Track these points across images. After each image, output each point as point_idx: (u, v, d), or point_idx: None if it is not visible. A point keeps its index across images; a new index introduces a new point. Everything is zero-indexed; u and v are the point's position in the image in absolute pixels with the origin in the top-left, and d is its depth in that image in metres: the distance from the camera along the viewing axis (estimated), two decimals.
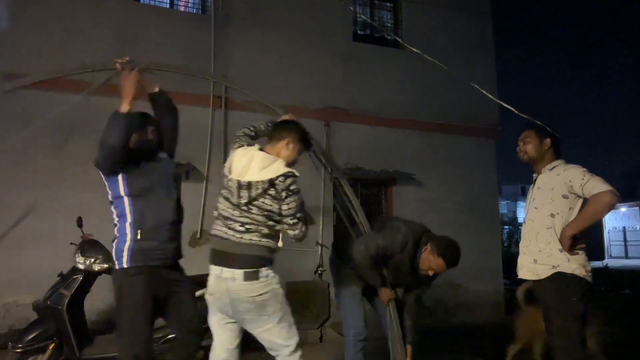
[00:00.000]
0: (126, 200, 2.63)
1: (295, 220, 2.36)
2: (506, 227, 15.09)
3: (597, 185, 2.55)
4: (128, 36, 5.91)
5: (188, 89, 6.04)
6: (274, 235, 2.38)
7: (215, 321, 2.44)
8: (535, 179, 2.93)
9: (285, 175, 2.31)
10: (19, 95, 5.33)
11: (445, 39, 7.40)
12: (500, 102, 4.87)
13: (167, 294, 2.66)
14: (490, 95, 4.87)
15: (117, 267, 2.60)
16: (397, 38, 6.90)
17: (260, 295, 2.28)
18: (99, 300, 4.93)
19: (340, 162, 6.19)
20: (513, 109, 4.10)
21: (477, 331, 6.35)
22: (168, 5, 6.43)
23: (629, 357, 5.12)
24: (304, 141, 2.55)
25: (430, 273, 3.03)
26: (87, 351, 3.58)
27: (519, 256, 2.92)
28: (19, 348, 3.40)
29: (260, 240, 2.32)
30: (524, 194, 25.35)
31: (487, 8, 8.07)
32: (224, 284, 2.30)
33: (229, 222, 2.35)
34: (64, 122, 5.47)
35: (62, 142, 5.44)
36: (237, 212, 2.34)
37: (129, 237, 2.59)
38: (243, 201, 2.32)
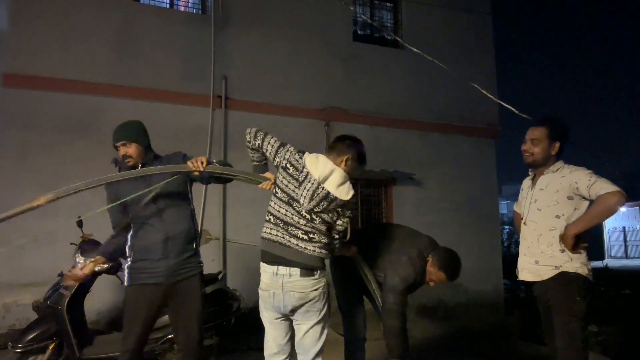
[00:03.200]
0: (131, 225, 2.85)
1: (336, 236, 2.57)
2: (506, 227, 15.08)
3: (604, 186, 2.53)
4: (128, 36, 5.91)
5: (188, 89, 6.06)
6: (330, 244, 2.54)
7: (267, 317, 2.57)
8: (534, 178, 2.91)
9: (353, 197, 2.50)
10: (20, 95, 5.35)
11: (445, 39, 7.40)
12: (500, 102, 4.88)
13: (169, 304, 2.83)
14: (490, 95, 4.89)
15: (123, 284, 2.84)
16: (397, 38, 6.90)
17: (313, 291, 2.44)
18: (99, 300, 4.95)
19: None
20: (513, 109, 4.11)
21: (477, 331, 6.35)
22: (168, 5, 6.42)
23: (629, 357, 5.12)
24: (361, 159, 2.67)
25: (432, 284, 3.04)
26: (87, 351, 3.57)
27: (519, 257, 2.90)
28: (19, 348, 3.40)
29: (320, 252, 2.47)
30: None
31: (487, 8, 8.07)
32: (279, 280, 2.43)
33: (291, 229, 2.46)
34: (64, 122, 5.48)
35: (62, 142, 5.44)
36: (302, 221, 2.45)
37: (129, 258, 2.80)
38: (317, 210, 2.43)
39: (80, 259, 3.61)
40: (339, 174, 2.46)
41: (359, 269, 3.06)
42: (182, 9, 6.54)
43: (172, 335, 3.58)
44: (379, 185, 7.07)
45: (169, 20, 6.23)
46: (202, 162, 2.66)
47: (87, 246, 3.66)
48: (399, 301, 2.90)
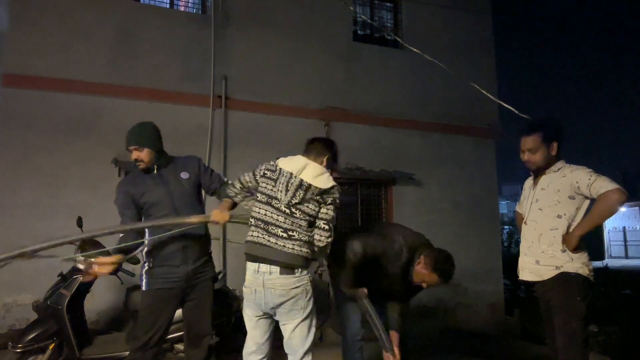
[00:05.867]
0: (146, 231, 2.87)
1: (326, 227, 2.52)
2: (506, 227, 15.07)
3: (604, 185, 2.54)
4: (128, 36, 5.91)
5: (188, 89, 6.06)
6: (312, 243, 2.51)
7: (248, 314, 2.60)
8: (535, 179, 2.91)
9: (334, 187, 2.52)
10: (20, 95, 5.35)
11: (445, 39, 7.40)
12: (500, 102, 4.88)
13: (184, 303, 2.93)
14: (490, 96, 4.89)
15: (140, 287, 2.91)
16: (397, 38, 6.90)
17: (294, 289, 2.43)
18: (99, 300, 4.95)
19: (340, 162, 6.18)
20: (513, 109, 4.11)
21: (477, 331, 6.36)
22: (168, 5, 6.42)
23: (629, 357, 5.13)
24: (335, 158, 2.71)
25: (424, 285, 3.00)
26: (87, 351, 3.58)
27: (520, 257, 2.90)
28: (19, 348, 3.40)
29: (301, 250, 2.46)
30: None
31: (487, 8, 8.06)
32: (260, 277, 2.46)
33: (271, 228, 2.48)
34: (64, 122, 5.48)
35: (62, 142, 5.45)
36: (281, 217, 2.47)
37: (146, 263, 2.86)
38: (294, 201, 2.45)
39: (80, 259, 3.61)
40: (314, 166, 2.51)
41: (365, 312, 3.03)
42: (182, 9, 6.54)
43: (172, 336, 3.59)
44: (379, 185, 7.07)
45: (169, 20, 6.23)
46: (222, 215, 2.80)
47: (87, 246, 3.66)
48: (369, 247, 2.89)
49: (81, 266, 3.59)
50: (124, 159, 5.47)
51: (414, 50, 4.73)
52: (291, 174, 2.48)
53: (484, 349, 5.40)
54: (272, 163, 2.60)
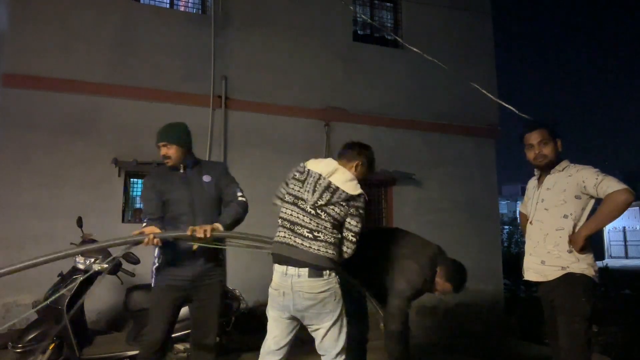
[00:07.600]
0: (165, 224, 2.90)
1: (353, 239, 2.52)
2: (506, 227, 15.07)
3: (611, 185, 2.53)
4: (128, 36, 5.91)
5: (188, 89, 6.06)
6: (338, 245, 2.50)
7: (273, 316, 2.55)
8: (539, 178, 2.90)
9: (361, 196, 2.52)
10: (20, 95, 5.35)
11: (445, 39, 7.40)
12: (500, 102, 4.88)
13: (191, 301, 2.96)
14: (490, 95, 4.89)
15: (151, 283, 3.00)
16: (397, 38, 6.90)
17: (322, 292, 2.41)
18: (99, 300, 4.95)
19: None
20: (513, 109, 4.11)
21: (477, 331, 6.35)
22: (168, 5, 6.42)
23: (629, 357, 5.12)
24: (371, 165, 2.72)
25: (437, 294, 3.04)
26: (87, 351, 3.58)
27: (525, 257, 2.88)
28: (19, 348, 3.40)
29: (327, 252, 2.44)
30: (524, 193, 25.15)
31: (487, 8, 8.06)
32: (288, 280, 2.43)
33: (297, 228, 2.47)
34: (64, 122, 5.48)
35: (62, 142, 5.45)
36: (306, 218, 2.47)
37: (156, 260, 2.93)
38: (320, 203, 2.45)
39: (80, 259, 3.62)
40: (343, 171, 2.52)
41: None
42: (182, 9, 6.54)
43: (174, 335, 3.59)
44: (379, 185, 7.07)
45: (169, 20, 6.23)
46: (205, 231, 2.63)
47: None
48: (404, 306, 2.88)
49: (81, 266, 3.59)
50: (124, 159, 5.47)
51: (414, 50, 4.73)
52: (320, 175, 2.49)
53: (484, 349, 5.40)
54: (301, 165, 2.61)
